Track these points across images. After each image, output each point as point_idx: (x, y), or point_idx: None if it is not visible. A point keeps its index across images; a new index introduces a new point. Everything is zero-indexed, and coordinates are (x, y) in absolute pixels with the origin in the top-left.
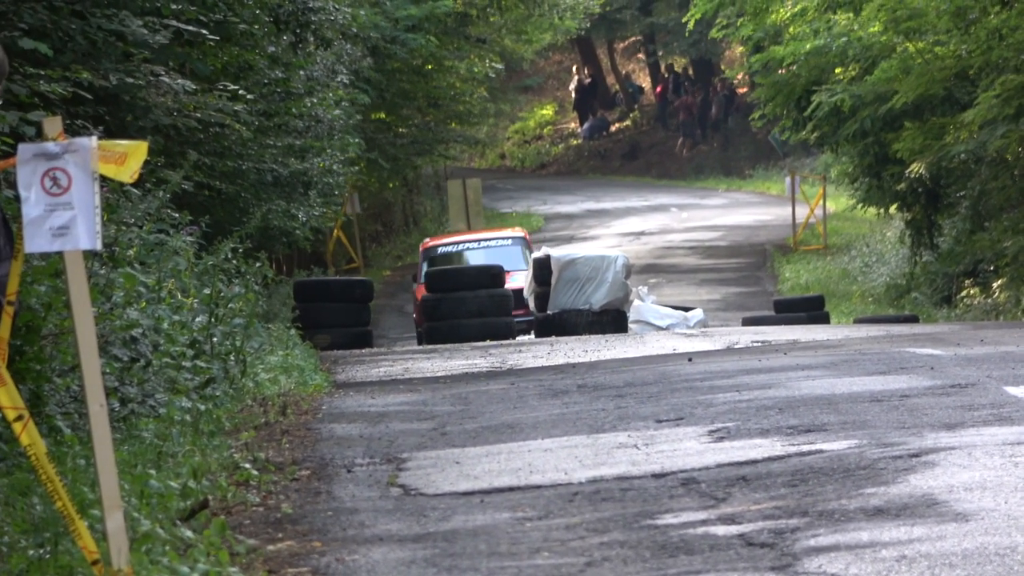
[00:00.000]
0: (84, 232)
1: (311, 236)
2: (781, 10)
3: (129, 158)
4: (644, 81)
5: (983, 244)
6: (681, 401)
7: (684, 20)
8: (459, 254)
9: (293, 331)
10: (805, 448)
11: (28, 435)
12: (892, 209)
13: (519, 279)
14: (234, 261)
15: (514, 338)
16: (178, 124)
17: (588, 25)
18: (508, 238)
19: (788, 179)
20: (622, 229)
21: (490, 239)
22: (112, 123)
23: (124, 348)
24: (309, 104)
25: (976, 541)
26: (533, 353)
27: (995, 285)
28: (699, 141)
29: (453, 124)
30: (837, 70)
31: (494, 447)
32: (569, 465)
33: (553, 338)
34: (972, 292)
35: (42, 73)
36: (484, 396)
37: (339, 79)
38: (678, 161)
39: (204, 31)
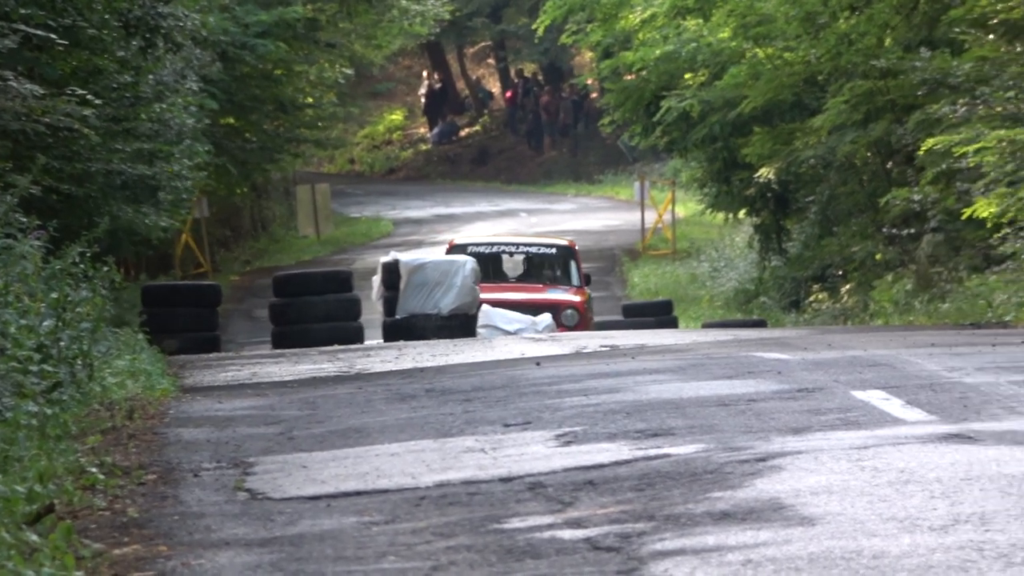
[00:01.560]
0: None
1: (159, 240)
2: (631, 16)
3: None
4: (494, 87)
5: (831, 249)
6: (529, 405)
7: (534, 27)
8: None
9: (141, 335)
10: (652, 452)
11: None
12: (741, 214)
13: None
14: (82, 265)
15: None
16: (27, 129)
17: (438, 31)
18: (552, 247)
19: (637, 184)
20: (471, 234)
21: (532, 245)
22: None
23: None
24: (158, 109)
25: (822, 545)
26: (381, 358)
27: (843, 290)
28: (541, 147)
29: (302, 129)
30: (687, 76)
31: (341, 451)
32: (416, 469)
33: (401, 343)
34: (820, 297)
35: None
36: (331, 400)
37: (188, 84)
38: (527, 166)
39: (53, 35)
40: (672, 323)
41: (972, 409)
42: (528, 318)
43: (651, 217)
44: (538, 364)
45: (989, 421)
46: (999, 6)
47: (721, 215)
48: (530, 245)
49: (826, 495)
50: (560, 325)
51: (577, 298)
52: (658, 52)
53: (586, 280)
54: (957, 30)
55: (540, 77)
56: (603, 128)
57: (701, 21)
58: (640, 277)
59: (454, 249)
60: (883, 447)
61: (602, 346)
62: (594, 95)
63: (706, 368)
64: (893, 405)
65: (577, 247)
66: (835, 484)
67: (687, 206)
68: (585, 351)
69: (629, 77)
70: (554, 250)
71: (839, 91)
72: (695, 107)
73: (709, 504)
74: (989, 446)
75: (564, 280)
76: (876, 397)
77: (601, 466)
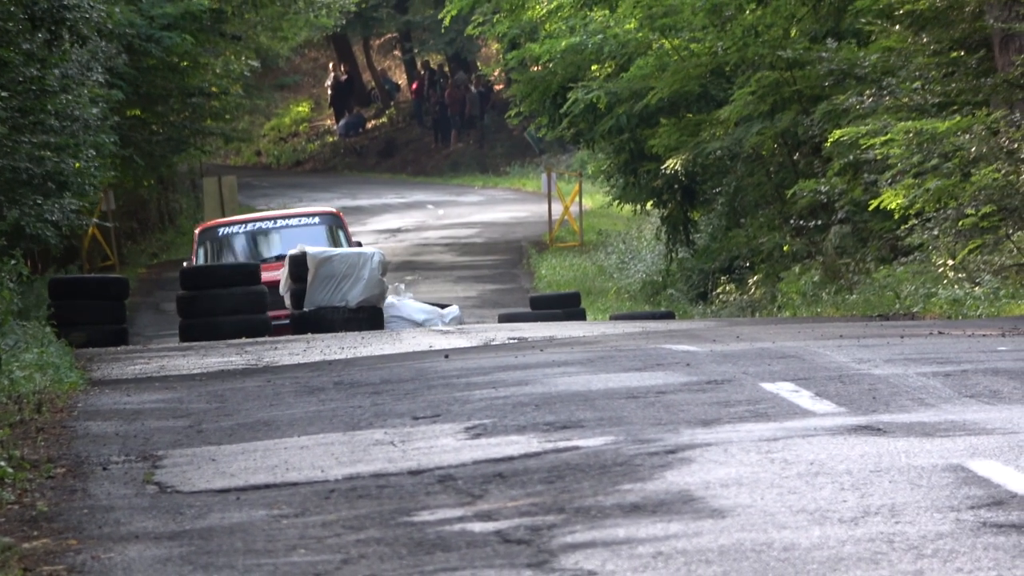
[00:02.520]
0: None
1: (66, 233)
2: (537, 7)
3: None
4: (400, 78)
5: (739, 240)
6: (438, 398)
7: (440, 17)
8: (241, 238)
9: (48, 329)
10: (562, 445)
11: None
12: (648, 206)
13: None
14: None
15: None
16: None
17: (344, 22)
18: (314, 216)
19: (544, 176)
20: (379, 226)
21: (290, 218)
22: None
23: None
24: (64, 101)
25: (732, 537)
26: (289, 350)
27: (750, 281)
28: (447, 139)
29: (209, 121)
30: (593, 67)
31: (250, 444)
32: (326, 462)
33: (310, 335)
34: (728, 288)
35: None
36: (240, 393)
37: (94, 77)
38: (434, 158)
39: None
40: (580, 315)
41: (881, 401)
42: (436, 310)
43: (558, 209)
44: (447, 357)
45: (898, 413)
46: None
47: (628, 207)
48: (289, 218)
49: (736, 487)
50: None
51: None
52: (564, 43)
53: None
54: (864, 21)
55: (446, 68)
56: (510, 120)
57: (607, 12)
58: (547, 269)
59: (202, 233)
60: (793, 439)
61: (510, 338)
62: (500, 87)
63: (615, 360)
64: (802, 397)
65: (343, 215)
66: (745, 476)
67: (594, 198)
68: (493, 343)
69: (535, 69)
70: (316, 220)
71: (746, 82)
72: (602, 99)
73: (619, 496)
74: (898, 438)
75: None
76: (785, 389)
77: (511, 459)
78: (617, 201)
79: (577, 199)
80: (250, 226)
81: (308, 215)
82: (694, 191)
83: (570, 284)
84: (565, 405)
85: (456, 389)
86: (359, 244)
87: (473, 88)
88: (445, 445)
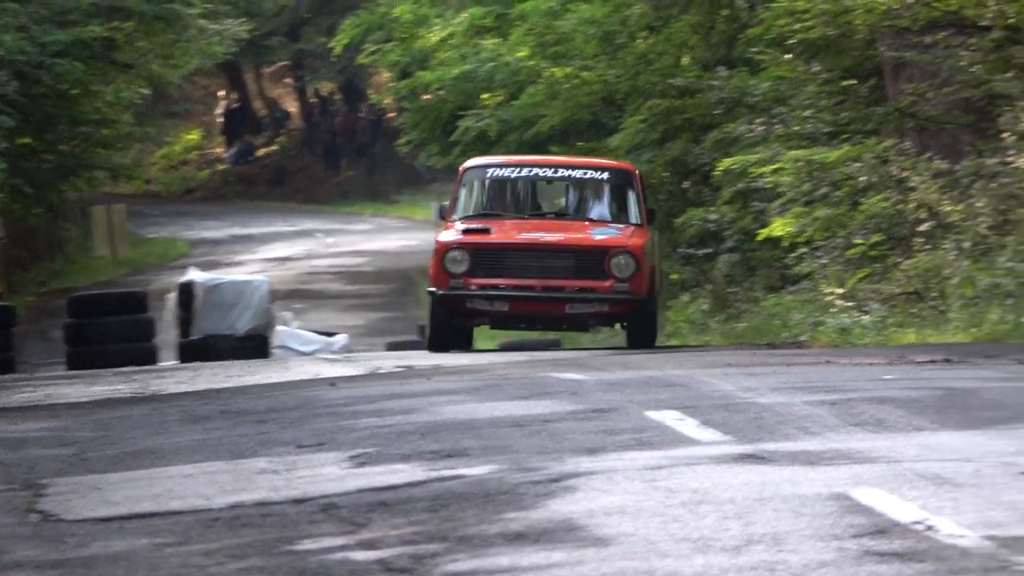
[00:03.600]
0: None
1: None
2: (429, 35)
3: None
4: (292, 106)
5: None
6: (323, 426)
7: (331, 46)
8: (515, 184)
9: None
10: (446, 473)
11: None
12: None
13: (607, 234)
14: None
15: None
16: None
17: (236, 50)
18: (604, 170)
19: (434, 204)
20: (268, 255)
21: (576, 168)
22: None
23: None
24: None
25: (615, 566)
26: (176, 379)
27: None
28: (338, 167)
29: (99, 149)
30: (484, 95)
31: (135, 473)
32: (210, 491)
33: (197, 364)
34: None
35: None
36: (126, 422)
37: None
38: (324, 186)
39: None
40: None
41: (766, 429)
42: (324, 338)
43: None
44: (333, 385)
45: (783, 441)
46: (797, 26)
47: None
48: (573, 168)
49: (620, 516)
50: (610, 277)
51: (632, 239)
52: (456, 71)
53: (650, 216)
54: (755, 50)
55: (338, 97)
56: (400, 148)
57: (499, 40)
58: None
59: (466, 172)
60: (677, 467)
61: (397, 367)
62: (392, 115)
63: (501, 389)
64: (688, 425)
65: (639, 173)
66: (629, 505)
67: None
68: (380, 372)
69: (427, 97)
70: (605, 175)
71: (637, 110)
72: (493, 126)
73: (503, 525)
74: (783, 466)
75: (620, 216)
76: (671, 417)
77: (395, 487)
78: None
79: None
80: (527, 171)
81: (599, 168)
82: None
83: None
84: (450, 434)
85: (342, 418)
86: (652, 212)
87: (364, 116)
88: (329, 474)
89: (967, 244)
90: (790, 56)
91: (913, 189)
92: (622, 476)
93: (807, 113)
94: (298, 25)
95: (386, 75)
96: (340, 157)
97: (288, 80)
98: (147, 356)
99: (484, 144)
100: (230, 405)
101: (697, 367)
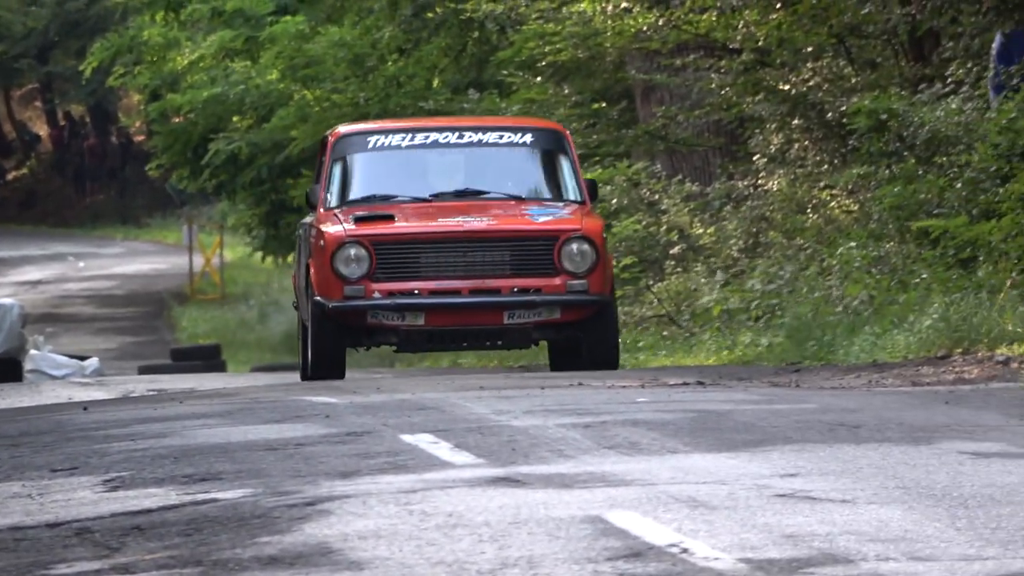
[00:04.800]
0: None
1: None
2: (179, 58)
3: None
4: (41, 129)
5: None
6: (76, 450)
7: (81, 68)
8: (403, 156)
9: None
10: (200, 497)
11: None
12: (290, 258)
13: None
14: None
15: None
16: None
17: None
18: (524, 131)
19: (185, 227)
20: (19, 278)
21: (488, 131)
22: None
23: None
24: None
25: None
26: None
27: None
28: (86, 190)
29: None
30: (235, 118)
31: None
32: None
33: None
34: None
35: None
36: None
37: None
38: (75, 209)
39: None
40: (220, 367)
41: (520, 452)
42: (76, 362)
43: (199, 261)
44: (85, 409)
45: (537, 464)
46: (547, 48)
47: (270, 259)
48: (483, 130)
49: (374, 539)
50: (561, 272)
51: (586, 221)
52: (206, 94)
53: (591, 191)
54: (506, 72)
55: (87, 119)
56: (151, 171)
57: (250, 63)
58: (189, 321)
59: (338, 142)
60: (432, 491)
61: (150, 390)
62: (141, 138)
63: (254, 412)
64: (442, 448)
65: (569, 135)
66: (384, 528)
67: (235, 250)
68: (132, 395)
69: (177, 120)
70: (528, 137)
71: None
72: (243, 149)
73: (257, 549)
74: (537, 489)
75: (554, 192)
76: (425, 441)
77: (149, 511)
78: (259, 253)
79: (219, 251)
80: (423, 136)
81: (518, 128)
82: None
83: (212, 336)
84: (204, 457)
85: (95, 441)
86: (593, 184)
87: (114, 139)
88: (83, 498)
89: (718, 266)
90: (540, 79)
91: (665, 212)
92: (376, 500)
93: None
94: (47, 47)
95: (137, 98)
96: (90, 180)
97: (37, 103)
98: None
99: (235, 167)
100: None
101: (450, 390)
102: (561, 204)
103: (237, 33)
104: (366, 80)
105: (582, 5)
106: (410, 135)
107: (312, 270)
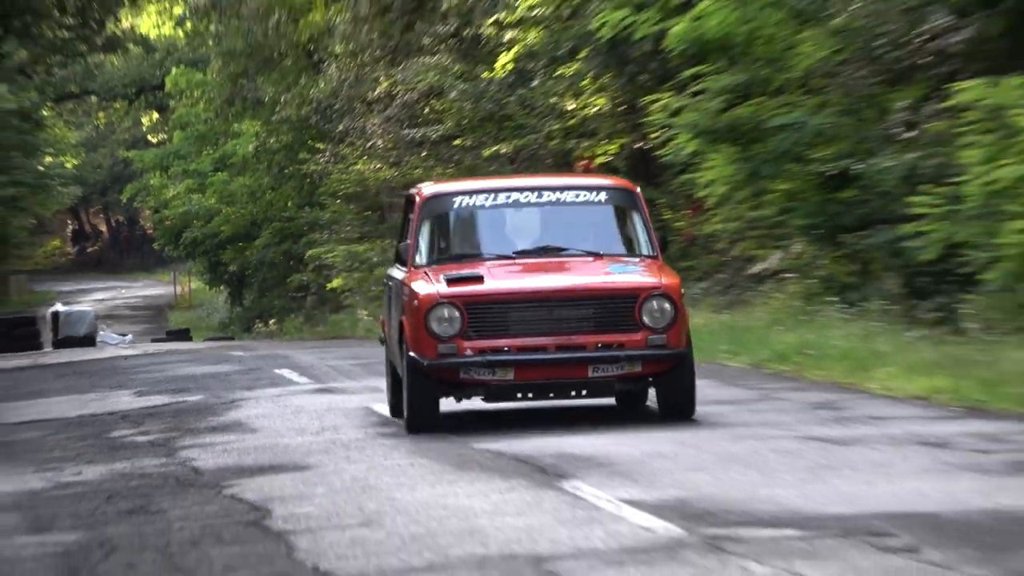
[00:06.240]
0: None
1: None
2: (167, 193)
3: None
4: (102, 227)
5: (263, 304)
6: (121, 378)
7: (121, 197)
8: (489, 212)
9: None
10: (180, 399)
11: None
12: (222, 286)
13: (631, 272)
14: None
15: None
16: None
17: None
18: (600, 190)
19: (172, 273)
20: (94, 297)
21: (566, 190)
22: None
23: None
24: None
25: (260, 441)
26: (52, 357)
27: (271, 323)
28: None
29: None
30: (195, 221)
31: (28, 401)
32: (67, 409)
33: (62, 349)
34: (260, 326)
35: None
36: (23, 376)
37: None
38: (119, 267)
39: None
40: (190, 339)
41: (331, 377)
42: (120, 337)
43: (180, 289)
44: (125, 359)
45: (337, 382)
46: (342, 185)
47: (213, 289)
48: (561, 189)
49: (262, 419)
50: (642, 328)
51: (664, 277)
52: (181, 210)
53: (662, 245)
54: (323, 198)
55: (124, 222)
56: (156, 247)
57: (201, 195)
58: (174, 318)
59: (427, 203)
60: (288, 396)
61: (156, 349)
62: (151, 230)
63: (205, 358)
64: (294, 375)
65: (639, 191)
66: (265, 413)
67: (196, 283)
68: (148, 352)
69: (167, 223)
70: (603, 196)
71: (269, 227)
72: (199, 237)
73: (208, 423)
74: (338, 394)
75: (629, 247)
76: (287, 373)
77: (157, 406)
78: (207, 285)
79: (188, 284)
80: (505, 197)
81: (593, 188)
82: (244, 277)
83: (185, 324)
84: (182, 381)
85: (130, 373)
86: (664, 239)
87: (139, 232)
88: (124, 400)
89: None
90: (339, 200)
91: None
92: (263, 400)
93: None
94: (106, 187)
95: (147, 212)
96: (126, 252)
97: (101, 215)
98: (37, 347)
99: (195, 244)
100: (78, 368)
101: (299, 350)
102: (636, 259)
103: (195, 181)
104: (255, 202)
105: (358, 166)
106: (492, 195)
107: (406, 328)
